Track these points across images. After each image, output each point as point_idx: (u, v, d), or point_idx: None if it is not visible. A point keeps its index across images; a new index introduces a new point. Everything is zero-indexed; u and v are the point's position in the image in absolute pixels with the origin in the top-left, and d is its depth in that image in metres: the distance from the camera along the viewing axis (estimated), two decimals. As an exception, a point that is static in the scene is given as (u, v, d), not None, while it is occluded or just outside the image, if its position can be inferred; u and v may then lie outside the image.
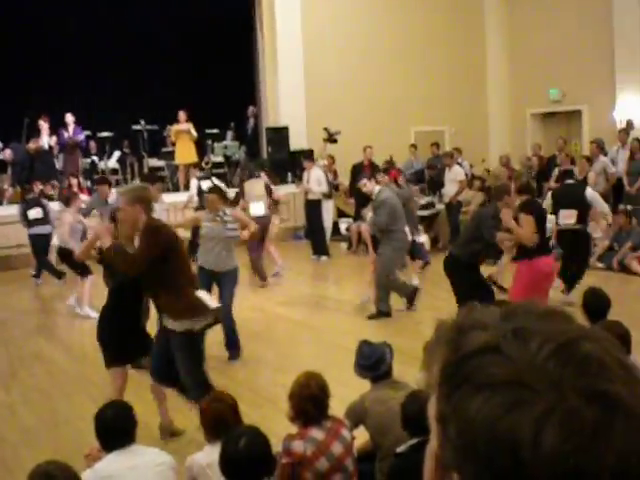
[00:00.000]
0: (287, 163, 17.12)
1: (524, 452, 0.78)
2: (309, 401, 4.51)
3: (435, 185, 16.67)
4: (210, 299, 6.51)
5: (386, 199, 10.29)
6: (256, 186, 13.11)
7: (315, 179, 15.30)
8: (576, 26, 18.64)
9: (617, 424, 0.79)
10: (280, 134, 18.35)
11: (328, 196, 15.87)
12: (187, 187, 17.01)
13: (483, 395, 0.82)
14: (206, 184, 15.45)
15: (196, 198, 15.10)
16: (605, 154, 16.02)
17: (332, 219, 16.16)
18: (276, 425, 5.59)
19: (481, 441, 0.81)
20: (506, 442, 0.79)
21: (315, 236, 15.35)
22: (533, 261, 8.67)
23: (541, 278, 8.77)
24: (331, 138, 16.83)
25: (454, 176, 15.63)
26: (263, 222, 12.44)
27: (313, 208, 14.76)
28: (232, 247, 8.92)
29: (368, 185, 10.54)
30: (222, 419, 4.37)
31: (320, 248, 15.43)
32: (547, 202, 11.81)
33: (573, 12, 18.72)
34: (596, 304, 6.17)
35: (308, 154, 16.46)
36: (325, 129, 16.88)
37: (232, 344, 8.90)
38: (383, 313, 10.39)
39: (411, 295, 10.57)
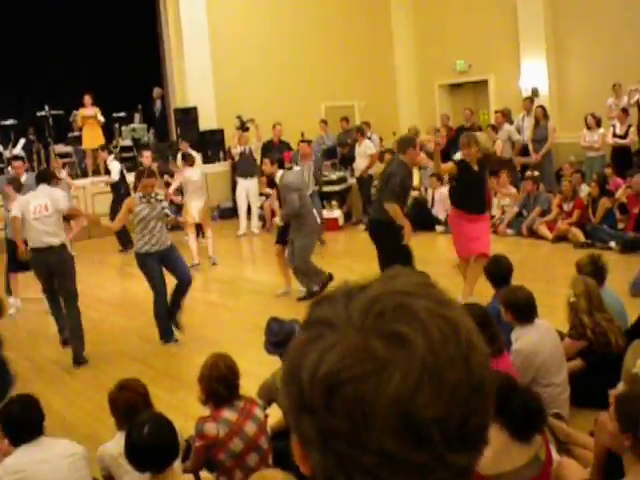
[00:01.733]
0: (197, 144, 16.96)
1: (303, 377, 0.88)
2: (219, 382, 4.50)
3: (346, 160, 16.73)
4: None
5: (290, 183, 10.04)
6: None
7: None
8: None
9: (400, 360, 0.86)
10: (189, 115, 18.15)
11: (251, 175, 15.60)
12: (95, 172, 16.77)
13: (301, 333, 0.93)
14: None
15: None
16: (511, 122, 16.33)
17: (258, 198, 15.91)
18: (193, 409, 5.55)
19: (287, 373, 0.92)
20: (295, 370, 0.90)
21: None
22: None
23: None
24: (244, 126, 16.64)
25: (364, 150, 15.72)
26: None
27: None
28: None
29: (268, 167, 10.28)
30: (132, 407, 4.32)
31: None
32: None
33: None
34: (498, 271, 6.34)
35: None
36: (238, 117, 16.69)
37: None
38: (315, 292, 10.01)
39: (326, 282, 10.09)
